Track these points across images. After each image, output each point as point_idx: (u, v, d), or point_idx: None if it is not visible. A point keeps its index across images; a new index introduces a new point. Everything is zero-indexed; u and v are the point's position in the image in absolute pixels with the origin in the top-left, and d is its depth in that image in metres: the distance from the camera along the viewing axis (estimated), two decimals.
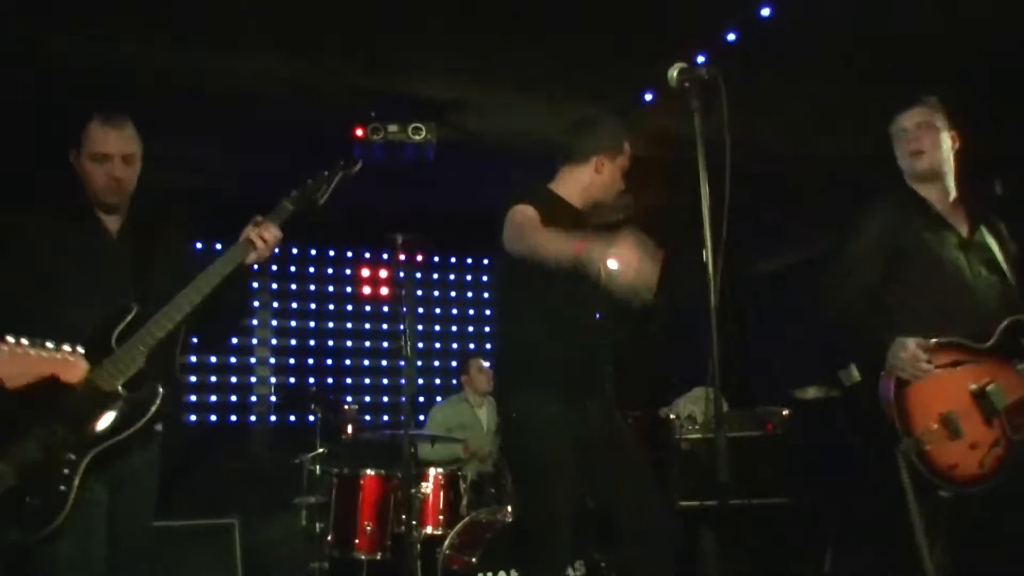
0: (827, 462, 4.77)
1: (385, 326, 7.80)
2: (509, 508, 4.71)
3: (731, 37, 4.74)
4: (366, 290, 7.79)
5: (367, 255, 7.86)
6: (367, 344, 7.83)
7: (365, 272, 7.83)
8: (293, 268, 7.66)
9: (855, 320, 3.03)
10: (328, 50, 4.90)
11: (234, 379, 7.31)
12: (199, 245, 4.63)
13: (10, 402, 2.23)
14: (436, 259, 8.31)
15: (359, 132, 5.49)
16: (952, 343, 2.93)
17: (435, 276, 8.32)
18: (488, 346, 8.30)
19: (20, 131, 4.99)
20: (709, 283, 2.03)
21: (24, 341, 1.94)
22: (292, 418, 6.72)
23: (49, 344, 1.98)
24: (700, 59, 4.63)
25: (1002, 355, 2.96)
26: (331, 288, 7.78)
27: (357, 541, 5.00)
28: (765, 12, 4.61)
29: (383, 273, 7.87)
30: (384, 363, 7.83)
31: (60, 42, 4.60)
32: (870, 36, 4.71)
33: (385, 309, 7.82)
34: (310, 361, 7.63)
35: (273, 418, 7.26)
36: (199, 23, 4.48)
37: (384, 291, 7.86)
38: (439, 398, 6.54)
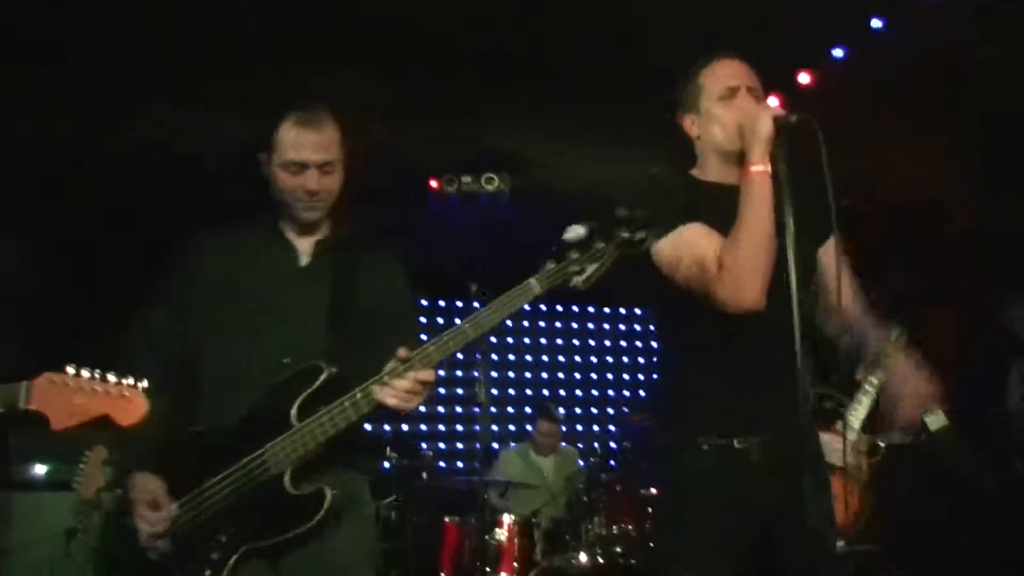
0: (913, 510, 4.62)
1: (460, 373, 7.84)
2: (583, 556, 4.65)
3: (804, 78, 4.73)
4: None
5: (442, 303, 7.93)
6: (442, 391, 7.87)
7: (440, 320, 7.91)
8: None
9: None
10: (404, 105, 5.02)
11: None
12: None
13: (177, 456, 2.16)
14: None
15: (433, 183, 5.60)
16: None
17: (509, 323, 8.32)
18: (563, 393, 8.28)
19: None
20: (795, 331, 1.98)
21: (84, 373, 1.78)
22: None
23: (111, 377, 1.79)
24: (773, 102, 4.62)
25: None
26: None
27: None
28: (838, 53, 4.59)
29: (458, 321, 7.92)
30: (459, 410, 7.85)
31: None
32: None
33: (460, 356, 7.85)
34: None
35: None
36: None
37: None
38: (514, 445, 6.52)
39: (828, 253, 2.36)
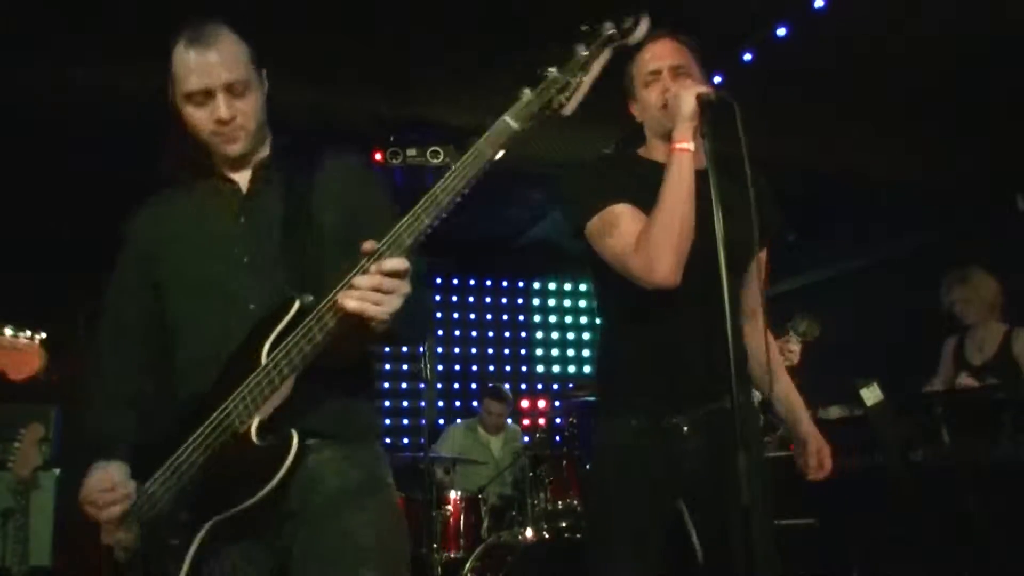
0: (851, 483, 4.73)
1: (405, 349, 7.81)
2: (529, 531, 4.69)
3: (747, 57, 4.76)
4: None
5: None
6: (387, 367, 7.84)
7: None
8: None
9: None
10: (349, 77, 4.95)
11: None
12: None
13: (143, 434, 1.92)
14: (456, 281, 8.33)
15: (378, 157, 5.54)
16: None
17: (455, 299, 8.33)
18: (508, 369, 8.30)
19: None
20: (724, 306, 2.00)
21: None
22: None
23: (8, 330, 1.64)
24: (716, 80, 4.65)
25: None
26: None
27: None
28: (781, 32, 4.63)
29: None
30: (404, 386, 7.84)
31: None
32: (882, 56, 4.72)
33: None
34: None
35: None
36: None
37: None
38: (459, 420, 6.54)
39: (758, 259, 2.39)
